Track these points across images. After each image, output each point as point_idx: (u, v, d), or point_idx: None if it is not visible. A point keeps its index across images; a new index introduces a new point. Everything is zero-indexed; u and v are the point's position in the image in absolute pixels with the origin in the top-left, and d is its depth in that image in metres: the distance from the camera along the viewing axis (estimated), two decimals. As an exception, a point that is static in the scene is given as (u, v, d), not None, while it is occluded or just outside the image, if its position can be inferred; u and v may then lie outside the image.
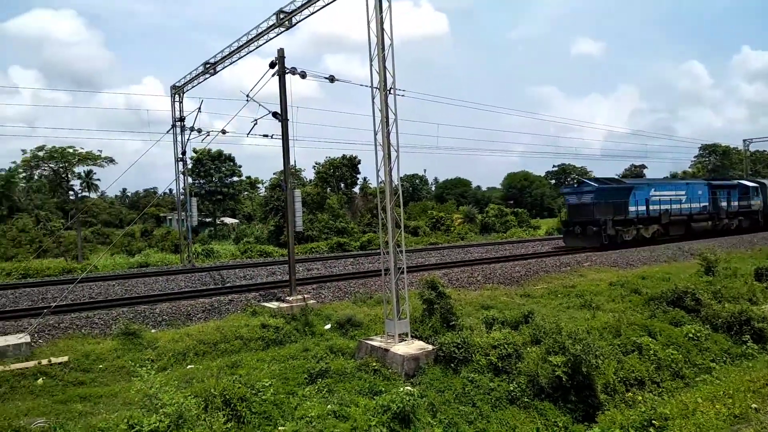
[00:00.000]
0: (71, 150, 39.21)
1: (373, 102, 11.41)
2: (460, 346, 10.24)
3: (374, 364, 10.23)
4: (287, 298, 14.88)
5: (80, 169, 42.42)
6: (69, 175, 42.07)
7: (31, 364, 10.61)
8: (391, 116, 11.26)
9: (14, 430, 7.43)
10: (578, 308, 15.18)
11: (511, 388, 9.72)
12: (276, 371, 9.97)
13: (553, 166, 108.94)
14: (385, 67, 11.20)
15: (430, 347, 10.61)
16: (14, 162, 42.40)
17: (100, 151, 40.51)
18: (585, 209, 29.15)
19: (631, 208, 29.52)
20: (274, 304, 14.56)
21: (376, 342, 11.14)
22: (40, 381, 10.26)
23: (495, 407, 9.36)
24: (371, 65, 11.30)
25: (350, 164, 51.70)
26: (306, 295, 15.19)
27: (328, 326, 13.37)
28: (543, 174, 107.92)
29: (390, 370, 10.12)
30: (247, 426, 7.81)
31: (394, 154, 11.30)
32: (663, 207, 31.19)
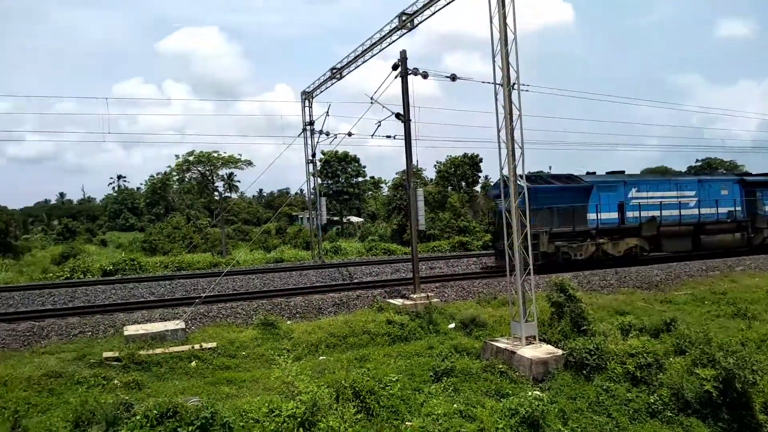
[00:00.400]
0: (215, 154, 43.41)
1: (496, 99, 11.21)
2: (592, 352, 9.73)
3: (500, 366, 10.08)
4: (411, 295, 15.12)
5: (223, 171, 46.74)
6: (214, 178, 46.65)
7: (185, 348, 11.85)
8: (515, 112, 11.00)
9: (174, 405, 8.36)
10: (730, 317, 13.71)
11: (652, 401, 9.05)
12: (402, 367, 10.19)
13: (697, 161, 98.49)
14: (508, 63, 10.96)
15: (559, 352, 10.19)
16: (169, 166, 47.85)
17: (240, 155, 44.39)
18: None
19: (591, 216, 21.30)
20: (398, 301, 14.87)
21: (502, 344, 10.94)
22: (193, 364, 11.43)
23: (633, 419, 8.76)
24: (494, 62, 11.12)
25: (471, 162, 51.10)
26: (429, 294, 15.32)
27: (452, 325, 13.38)
28: (685, 169, 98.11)
29: (517, 373, 9.90)
30: (376, 418, 8.07)
31: (518, 151, 11.03)
32: (651, 213, 22.41)
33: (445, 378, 9.64)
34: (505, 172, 11.23)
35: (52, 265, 28.79)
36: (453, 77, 16.70)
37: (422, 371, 10.01)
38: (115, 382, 9.95)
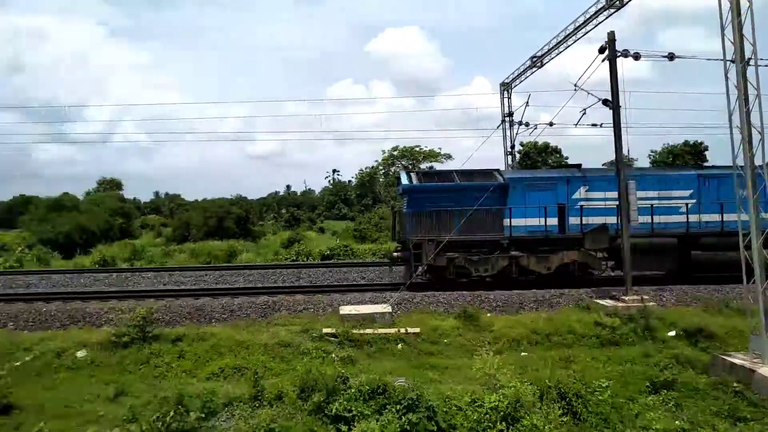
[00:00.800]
0: (417, 149, 45.44)
1: (726, 77, 9.70)
2: None
3: (735, 384, 8.74)
4: (623, 297, 13.90)
5: (425, 165, 48.61)
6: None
7: (392, 330, 12.65)
8: (752, 92, 9.40)
9: (383, 384, 8.99)
10: None
11: None
12: (613, 373, 9.48)
13: None
14: (741, 36, 9.42)
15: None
16: (376, 161, 51.39)
17: (440, 149, 45.75)
18: (404, 221, 17.86)
19: (507, 222, 16.82)
20: (608, 302, 13.80)
21: (738, 359, 9.45)
22: (399, 346, 12.16)
23: None
24: (723, 35, 9.64)
25: (694, 151, 44.77)
26: (644, 297, 13.89)
27: (672, 333, 11.96)
28: None
29: (758, 395, 8.45)
30: (584, 424, 7.67)
31: (756, 137, 9.37)
32: (601, 219, 16.62)
33: (665, 391, 8.69)
34: (740, 160, 9.63)
35: (281, 249, 33.30)
36: (671, 56, 14.77)
37: (636, 380, 9.17)
38: (333, 356, 11.08)
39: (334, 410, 8.26)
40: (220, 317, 13.97)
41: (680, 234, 16.71)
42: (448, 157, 45.75)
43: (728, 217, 16.00)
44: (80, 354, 11.53)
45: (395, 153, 46.22)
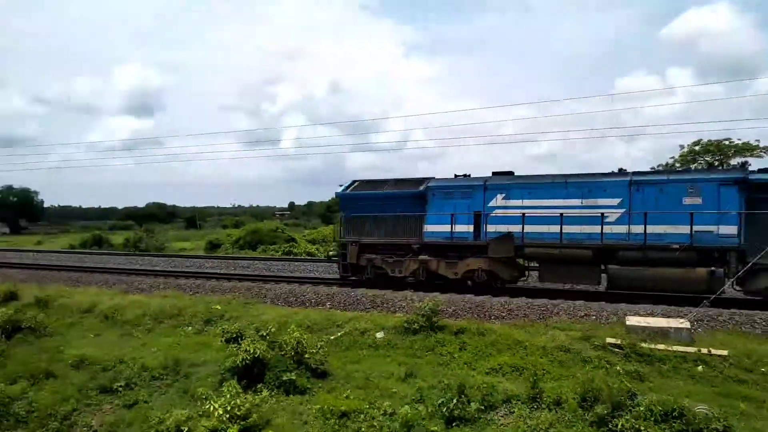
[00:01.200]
0: (726, 142, 38.42)
1: None
2: None
3: None
4: None
5: (735, 161, 40.85)
6: (723, 167, 41.37)
7: (691, 349, 11.08)
8: None
9: (681, 407, 7.99)
10: None
11: None
12: None
13: None
14: None
15: None
16: (672, 157, 45.26)
17: (757, 141, 37.76)
18: (340, 225, 19.67)
19: (425, 228, 17.45)
20: None
21: None
22: (699, 368, 10.59)
23: None
24: None
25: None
26: None
27: None
28: None
29: None
30: None
31: None
32: (509, 227, 16.27)
33: None
34: None
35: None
36: None
37: None
38: (618, 368, 10.33)
39: (620, 426, 7.74)
40: (498, 315, 14.41)
41: (595, 246, 15.26)
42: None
43: (653, 228, 14.72)
44: (379, 335, 13.35)
45: (697, 148, 39.96)
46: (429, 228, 17.74)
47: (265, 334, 12.21)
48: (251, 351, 11.21)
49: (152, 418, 10.56)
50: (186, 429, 9.73)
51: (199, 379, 11.92)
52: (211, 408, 9.63)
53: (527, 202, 16.45)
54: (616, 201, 15.48)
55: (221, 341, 12.85)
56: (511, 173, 17.80)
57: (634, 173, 16.04)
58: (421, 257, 17.60)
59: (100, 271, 24.18)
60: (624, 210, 15.31)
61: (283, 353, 11.73)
